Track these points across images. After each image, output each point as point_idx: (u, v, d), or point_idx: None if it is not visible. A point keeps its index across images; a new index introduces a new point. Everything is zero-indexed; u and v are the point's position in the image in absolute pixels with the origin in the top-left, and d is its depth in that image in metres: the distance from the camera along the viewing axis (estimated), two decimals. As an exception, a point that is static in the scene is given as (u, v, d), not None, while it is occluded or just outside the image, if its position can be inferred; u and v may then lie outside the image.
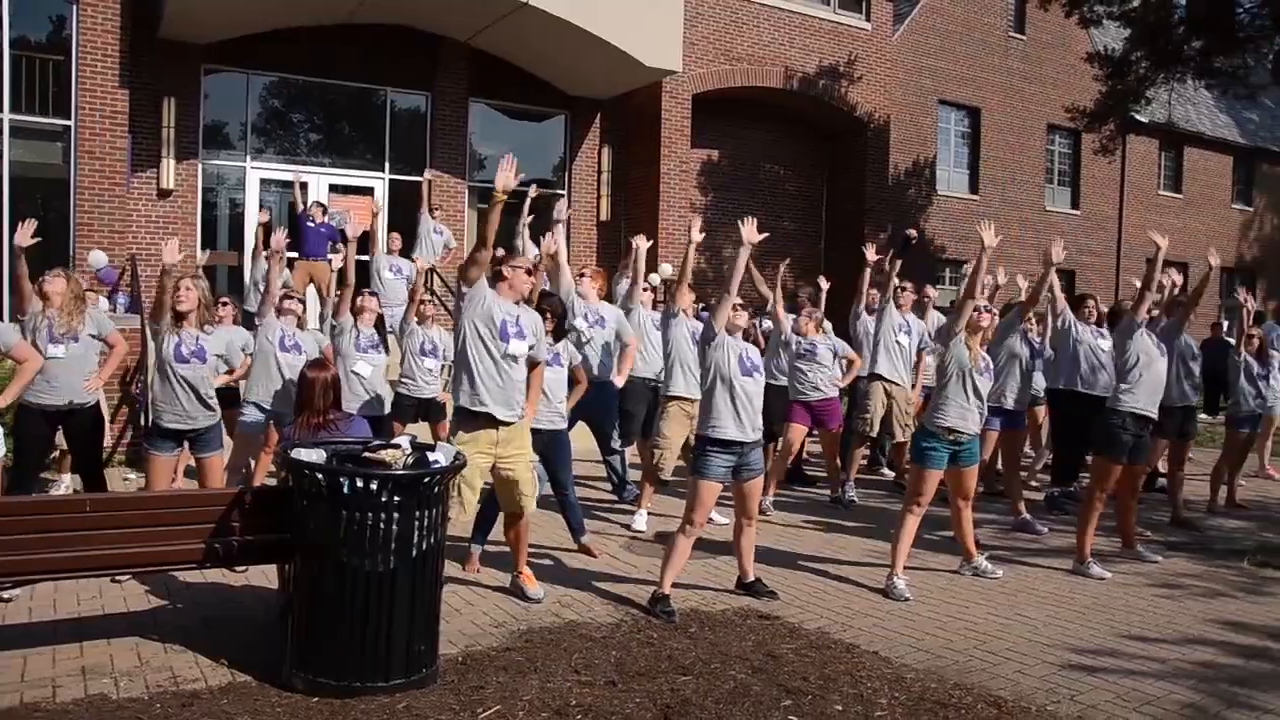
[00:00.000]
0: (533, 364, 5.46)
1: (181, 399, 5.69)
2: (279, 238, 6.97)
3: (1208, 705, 4.24)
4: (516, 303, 5.39)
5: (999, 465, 8.58)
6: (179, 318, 5.71)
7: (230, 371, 7.10)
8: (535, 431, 5.64)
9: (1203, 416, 12.25)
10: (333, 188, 14.54)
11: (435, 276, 13.01)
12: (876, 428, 8.71)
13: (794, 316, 8.82)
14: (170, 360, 5.65)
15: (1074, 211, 23.55)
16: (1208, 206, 26.30)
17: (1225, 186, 26.77)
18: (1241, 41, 16.13)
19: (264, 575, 5.50)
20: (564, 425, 6.27)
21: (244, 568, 5.47)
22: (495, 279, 5.33)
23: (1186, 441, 8.41)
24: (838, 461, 8.71)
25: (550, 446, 6.13)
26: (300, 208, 12.22)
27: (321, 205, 12.48)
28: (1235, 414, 9.03)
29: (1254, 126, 27.65)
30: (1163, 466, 8.93)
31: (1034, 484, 9.46)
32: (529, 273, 5.50)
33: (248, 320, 8.99)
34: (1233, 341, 9.54)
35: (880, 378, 8.63)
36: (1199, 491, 9.09)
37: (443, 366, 7.87)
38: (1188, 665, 4.75)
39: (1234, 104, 24.93)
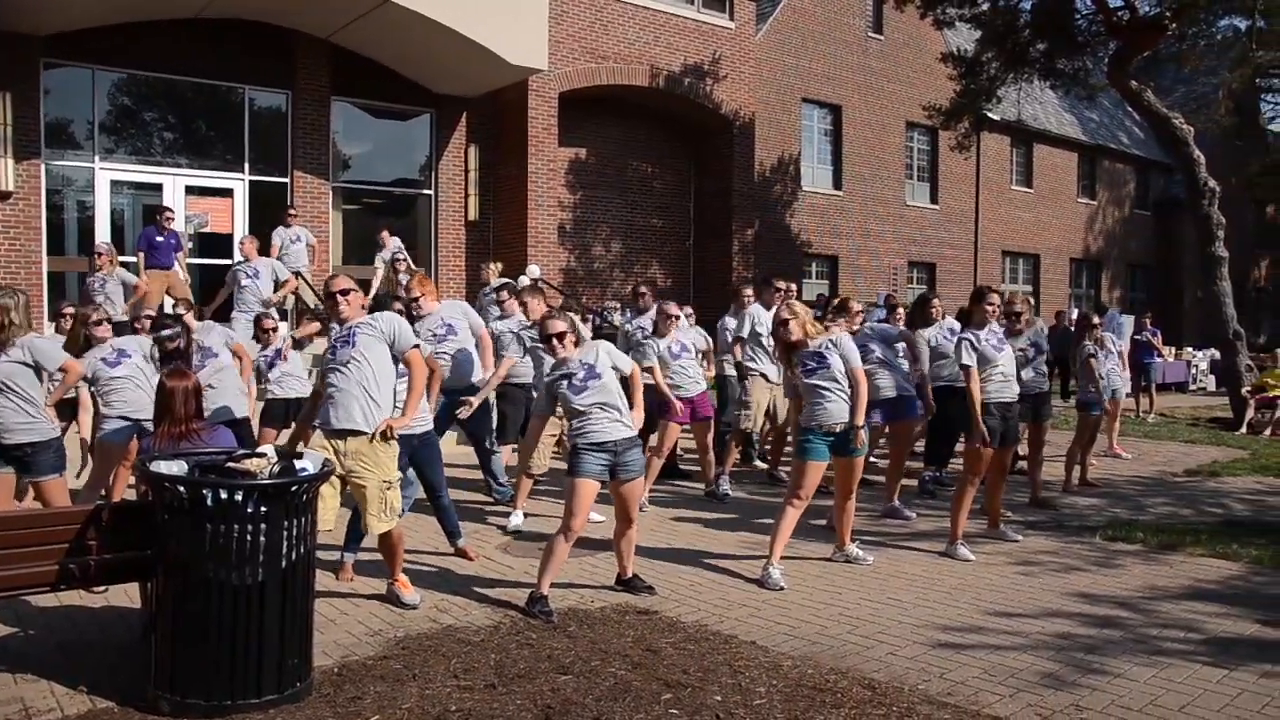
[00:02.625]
0: (405, 358, 5.24)
1: None
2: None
3: (1065, 674, 4.45)
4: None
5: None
6: None
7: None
8: (403, 436, 5.40)
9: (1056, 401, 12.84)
10: (189, 189, 14.02)
11: (303, 280, 12.67)
12: (759, 423, 8.95)
13: (636, 319, 8.94)
14: None
15: (933, 206, 24.41)
16: (1056, 201, 27.63)
17: (1071, 182, 28.18)
18: (1080, 45, 17.00)
19: (125, 594, 5.27)
20: (430, 426, 6.11)
21: (103, 588, 5.19)
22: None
23: (1043, 424, 8.82)
24: (711, 455, 8.84)
25: (420, 449, 6.01)
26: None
27: (170, 211, 12.04)
28: (1084, 398, 9.52)
29: (1094, 125, 29.17)
30: (1023, 450, 9.38)
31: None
32: (352, 291, 5.31)
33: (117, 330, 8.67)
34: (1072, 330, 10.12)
35: (762, 375, 8.90)
36: (1054, 472, 9.52)
37: (309, 369, 7.89)
38: (1047, 637, 4.98)
39: (1076, 104, 26.24)
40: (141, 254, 11.53)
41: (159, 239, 11.49)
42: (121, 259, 11.35)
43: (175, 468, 4.07)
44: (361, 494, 5.11)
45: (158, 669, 3.94)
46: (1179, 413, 16.74)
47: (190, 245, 13.45)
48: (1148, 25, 15.49)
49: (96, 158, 13.41)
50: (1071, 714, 4.00)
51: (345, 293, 5.23)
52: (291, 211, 12.90)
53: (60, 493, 5.62)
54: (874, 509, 8.09)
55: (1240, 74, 19.17)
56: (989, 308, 6.92)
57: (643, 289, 10.02)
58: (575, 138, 17.01)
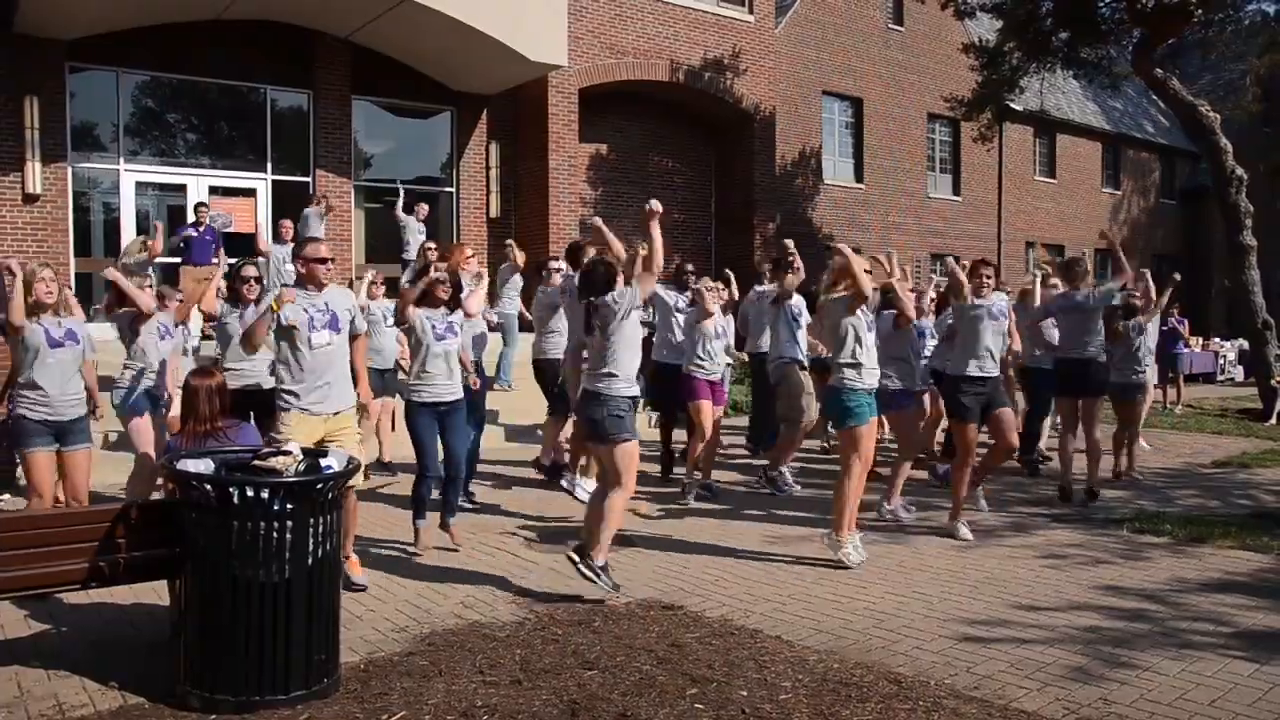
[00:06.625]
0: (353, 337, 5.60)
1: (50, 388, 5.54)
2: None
3: (1092, 667, 4.42)
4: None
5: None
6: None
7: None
8: (439, 402, 6.12)
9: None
10: (213, 189, 14.12)
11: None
12: (814, 412, 8.61)
13: (680, 293, 8.73)
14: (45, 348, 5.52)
15: (955, 198, 24.25)
16: (1080, 191, 27.38)
17: (1095, 171, 27.92)
18: (1103, 33, 16.84)
19: (155, 592, 5.31)
20: (460, 395, 6.35)
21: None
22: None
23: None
24: (712, 443, 8.76)
25: (448, 415, 6.26)
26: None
27: (204, 206, 12.13)
28: (1120, 382, 9.49)
29: (1119, 114, 28.88)
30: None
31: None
32: (320, 262, 5.43)
33: None
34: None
35: (799, 363, 8.57)
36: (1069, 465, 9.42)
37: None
38: (1074, 630, 4.94)
39: (1100, 92, 25.98)
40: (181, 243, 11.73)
41: (194, 234, 11.61)
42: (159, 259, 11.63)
43: (202, 466, 4.11)
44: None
45: (187, 666, 3.98)
46: (1206, 404, 16.60)
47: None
48: (1172, 11, 15.32)
49: (121, 159, 13.52)
50: (1100, 708, 3.98)
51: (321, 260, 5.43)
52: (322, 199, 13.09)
53: (87, 464, 5.78)
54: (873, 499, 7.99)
55: (1268, 59, 18.94)
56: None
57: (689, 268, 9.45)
58: (596, 133, 17.00)
